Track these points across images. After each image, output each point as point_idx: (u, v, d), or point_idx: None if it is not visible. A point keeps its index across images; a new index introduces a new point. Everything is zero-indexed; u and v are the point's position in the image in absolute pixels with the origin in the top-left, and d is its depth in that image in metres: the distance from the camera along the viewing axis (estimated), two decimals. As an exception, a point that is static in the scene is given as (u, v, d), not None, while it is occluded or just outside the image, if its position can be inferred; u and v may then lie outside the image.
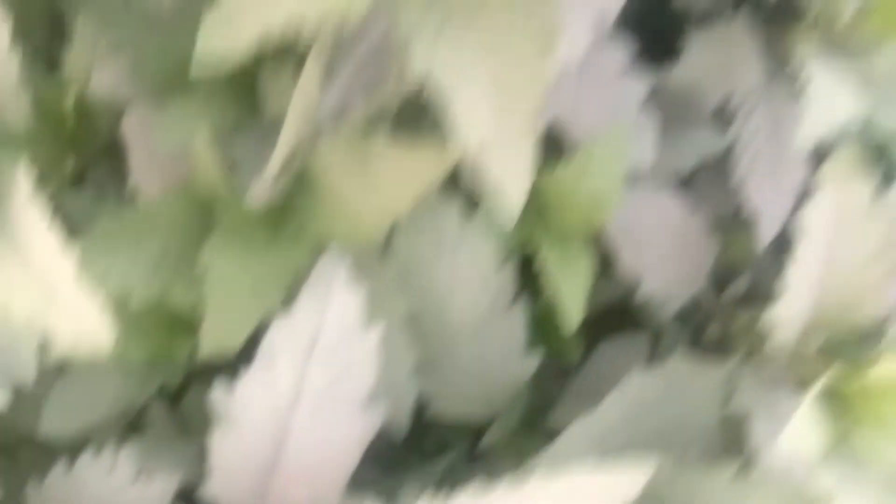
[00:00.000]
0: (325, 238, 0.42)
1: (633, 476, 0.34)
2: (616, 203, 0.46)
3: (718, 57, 0.52)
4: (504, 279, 0.48)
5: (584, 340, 0.54)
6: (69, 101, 0.49)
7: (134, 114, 0.45)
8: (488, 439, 0.51)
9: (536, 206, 0.48)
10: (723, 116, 0.55)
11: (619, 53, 0.49)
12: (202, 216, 0.42)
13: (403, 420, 0.46)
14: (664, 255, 0.53)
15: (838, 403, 0.43)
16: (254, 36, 0.31)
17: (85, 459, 0.44)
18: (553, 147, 0.48)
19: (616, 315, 0.56)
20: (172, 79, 0.43)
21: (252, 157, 0.42)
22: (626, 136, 0.47)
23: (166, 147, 0.42)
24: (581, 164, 0.46)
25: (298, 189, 0.43)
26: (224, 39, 0.31)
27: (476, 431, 0.52)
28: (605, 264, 0.53)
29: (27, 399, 0.42)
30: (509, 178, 0.33)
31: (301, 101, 0.37)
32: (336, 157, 0.42)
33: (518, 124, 0.33)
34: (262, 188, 0.40)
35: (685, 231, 0.53)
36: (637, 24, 0.49)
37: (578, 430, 0.44)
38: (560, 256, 0.47)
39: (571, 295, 0.46)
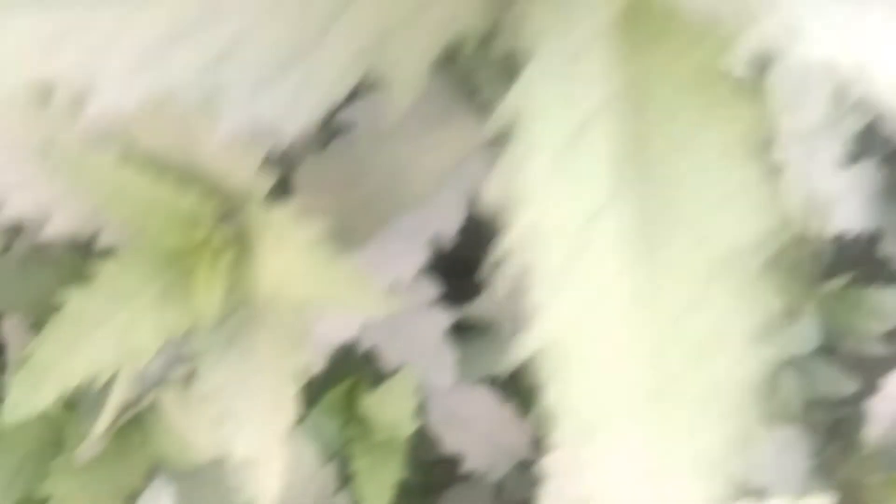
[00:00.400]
0: (158, 460, 0.50)
1: None
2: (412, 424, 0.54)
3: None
4: (327, 477, 0.56)
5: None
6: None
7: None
8: None
9: (355, 417, 0.55)
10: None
11: (427, 289, 0.56)
12: (53, 438, 0.50)
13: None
14: (483, 437, 0.61)
15: None
16: (57, 390, 0.38)
17: None
18: (373, 369, 0.56)
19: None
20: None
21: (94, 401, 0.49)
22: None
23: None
24: (386, 392, 0.53)
25: (135, 421, 0.50)
26: (31, 394, 0.38)
27: None
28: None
29: None
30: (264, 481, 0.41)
31: (119, 393, 0.44)
32: (165, 398, 0.49)
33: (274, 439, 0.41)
34: (93, 442, 0.48)
35: (500, 417, 0.61)
36: (442, 262, 0.56)
37: None
38: (371, 460, 0.55)
39: (378, 493, 0.54)
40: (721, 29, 0.32)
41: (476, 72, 0.54)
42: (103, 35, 0.33)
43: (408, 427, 0.54)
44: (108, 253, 0.59)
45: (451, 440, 0.61)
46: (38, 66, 0.33)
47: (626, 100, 0.31)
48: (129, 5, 0.34)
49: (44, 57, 0.33)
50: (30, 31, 0.33)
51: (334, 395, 0.58)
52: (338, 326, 0.53)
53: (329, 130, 0.56)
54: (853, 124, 0.61)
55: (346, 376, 0.56)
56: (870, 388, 1.02)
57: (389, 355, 0.55)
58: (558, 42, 0.31)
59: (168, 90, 0.33)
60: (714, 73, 0.31)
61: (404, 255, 0.68)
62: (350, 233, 0.65)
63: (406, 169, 0.62)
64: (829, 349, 1.12)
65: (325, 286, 0.53)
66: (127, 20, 0.33)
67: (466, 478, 0.66)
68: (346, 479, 0.57)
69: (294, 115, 0.36)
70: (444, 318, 0.56)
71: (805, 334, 1.08)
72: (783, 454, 1.09)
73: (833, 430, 1.15)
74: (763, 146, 0.30)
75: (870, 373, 1.12)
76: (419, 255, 0.64)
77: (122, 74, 0.32)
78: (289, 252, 0.55)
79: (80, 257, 0.65)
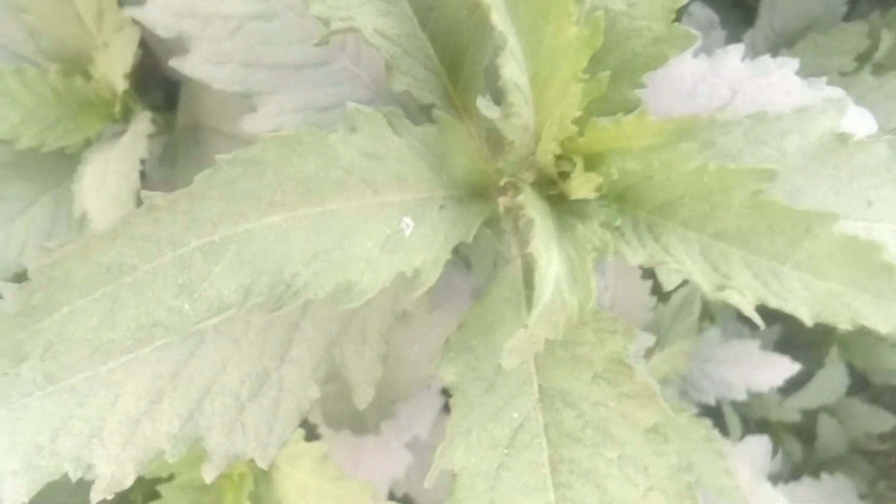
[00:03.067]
0: None
1: None
2: None
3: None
4: None
5: None
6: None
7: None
8: None
9: None
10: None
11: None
12: None
13: None
14: None
15: None
16: None
17: None
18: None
19: None
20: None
21: None
22: None
23: None
24: None
25: None
26: None
27: None
28: None
29: None
30: None
31: None
32: None
33: None
34: None
35: None
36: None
37: None
38: None
39: None
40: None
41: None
42: (95, 419, 0.38)
43: None
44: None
45: None
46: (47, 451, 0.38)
47: (546, 403, 0.35)
48: (113, 383, 0.39)
49: (51, 442, 0.38)
50: (41, 413, 0.38)
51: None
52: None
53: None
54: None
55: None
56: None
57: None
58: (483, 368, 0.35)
59: (157, 450, 0.38)
60: (622, 364, 0.35)
61: (394, 455, 0.72)
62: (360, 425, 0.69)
63: (402, 357, 0.67)
64: (861, 388, 1.13)
65: (336, 499, 0.58)
66: (112, 399, 0.38)
67: None
68: None
69: (273, 430, 0.41)
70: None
71: (834, 378, 1.09)
72: (834, 498, 1.09)
73: (879, 468, 1.14)
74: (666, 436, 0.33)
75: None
76: (405, 456, 0.69)
77: (116, 453, 0.37)
78: (302, 472, 0.60)
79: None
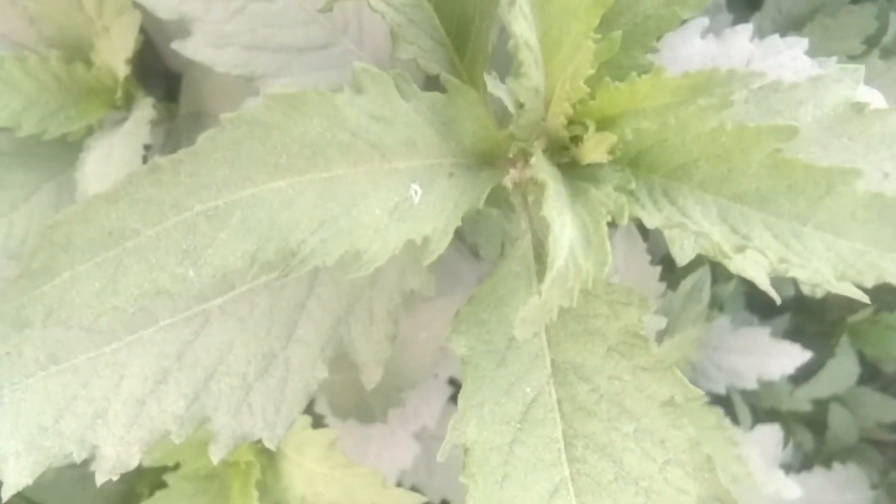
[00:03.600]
0: None
1: None
2: None
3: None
4: None
5: None
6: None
7: None
8: None
9: None
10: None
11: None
12: None
13: None
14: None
15: None
16: None
17: None
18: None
19: None
20: None
21: None
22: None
23: None
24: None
25: None
26: None
27: None
28: None
29: None
30: None
31: None
32: None
33: None
34: None
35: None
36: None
37: None
38: None
39: None
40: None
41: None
42: (99, 400, 0.37)
43: None
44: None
45: None
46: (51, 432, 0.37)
47: (560, 377, 0.34)
48: (118, 363, 0.38)
49: (55, 423, 0.37)
50: (44, 394, 0.37)
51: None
52: None
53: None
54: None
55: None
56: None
57: None
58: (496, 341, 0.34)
59: (163, 431, 0.38)
60: (637, 336, 0.34)
61: (401, 445, 0.72)
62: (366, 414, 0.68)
63: (409, 343, 0.66)
64: (872, 377, 1.11)
65: (344, 487, 0.57)
66: (117, 379, 0.38)
67: None
68: None
69: (280, 411, 0.40)
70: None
71: (844, 368, 1.08)
72: (846, 488, 1.08)
73: (890, 458, 1.13)
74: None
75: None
76: (412, 446, 0.68)
77: (121, 434, 0.37)
78: (309, 459, 0.59)
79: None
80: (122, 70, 0.58)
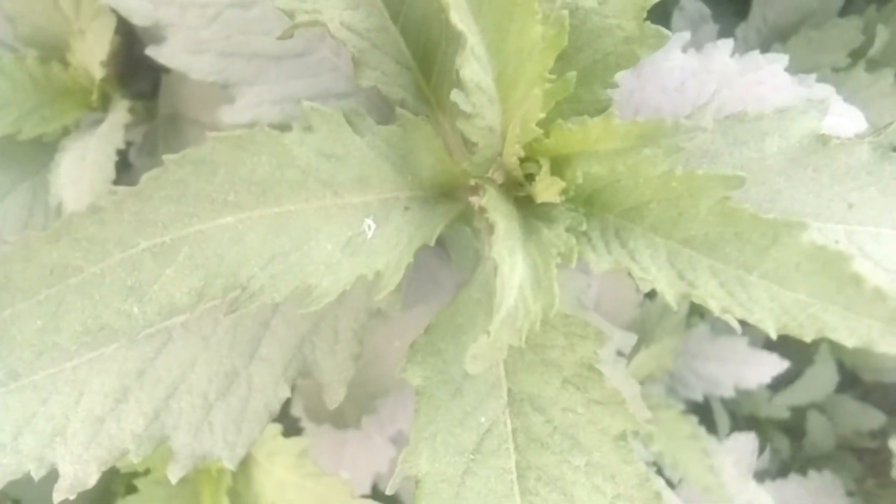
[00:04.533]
0: None
1: None
2: None
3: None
4: None
5: None
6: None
7: None
8: None
9: None
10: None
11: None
12: None
13: None
14: None
15: None
16: None
17: None
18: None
19: None
20: None
21: None
22: None
23: None
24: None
25: None
26: None
27: None
28: None
29: None
30: None
31: None
32: None
33: None
34: None
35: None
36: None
37: None
38: None
39: None
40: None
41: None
42: (59, 417, 0.37)
43: None
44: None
45: None
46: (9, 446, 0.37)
47: (515, 408, 0.34)
48: (77, 380, 0.38)
49: (13, 440, 0.37)
50: (3, 410, 0.37)
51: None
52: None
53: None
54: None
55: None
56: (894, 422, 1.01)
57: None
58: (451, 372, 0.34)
59: (122, 450, 0.38)
60: (592, 369, 0.34)
61: (377, 449, 0.72)
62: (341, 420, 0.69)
63: (383, 352, 0.66)
64: (850, 385, 1.12)
65: (314, 496, 0.57)
66: (76, 397, 0.38)
67: None
68: None
69: (241, 430, 0.40)
70: None
71: (823, 376, 1.08)
72: (821, 495, 1.09)
73: (868, 465, 1.14)
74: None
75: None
76: (388, 450, 0.68)
77: (79, 452, 0.37)
78: (280, 467, 0.59)
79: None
80: (98, 72, 0.58)
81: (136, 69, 0.68)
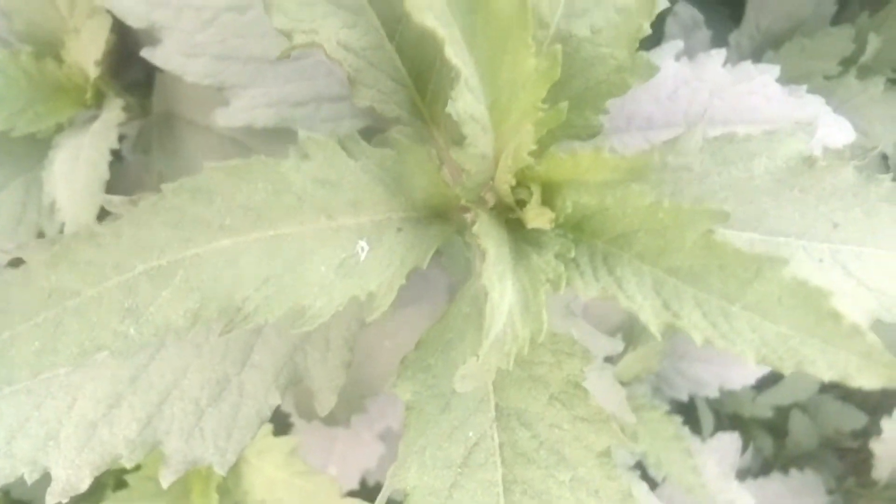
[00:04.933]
0: None
1: None
2: None
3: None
4: None
5: None
6: None
7: None
8: None
9: None
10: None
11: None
12: None
13: None
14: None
15: None
16: None
17: None
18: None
19: None
20: None
21: None
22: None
23: None
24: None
25: None
26: None
27: None
28: None
29: None
30: None
31: None
32: None
33: None
34: None
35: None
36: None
37: None
38: None
39: None
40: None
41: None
42: (52, 422, 0.38)
43: None
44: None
45: None
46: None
47: (503, 422, 0.35)
48: (71, 385, 0.38)
49: (7, 444, 0.38)
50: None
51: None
52: None
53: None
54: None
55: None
56: (876, 423, 1.03)
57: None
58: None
59: (114, 455, 0.38)
60: (578, 387, 0.35)
61: (366, 446, 0.73)
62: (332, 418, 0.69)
63: (373, 352, 0.67)
64: (833, 385, 1.14)
65: (303, 494, 0.58)
66: (70, 402, 0.38)
67: None
68: None
69: (231, 436, 0.41)
70: None
71: (807, 376, 1.09)
72: (803, 493, 1.11)
73: (849, 464, 1.16)
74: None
75: (878, 403, 1.13)
76: (377, 447, 0.69)
77: (72, 457, 0.37)
78: (270, 465, 0.60)
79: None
80: (93, 71, 0.57)
81: (130, 63, 0.68)
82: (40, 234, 0.61)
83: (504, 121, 0.28)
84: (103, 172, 0.54)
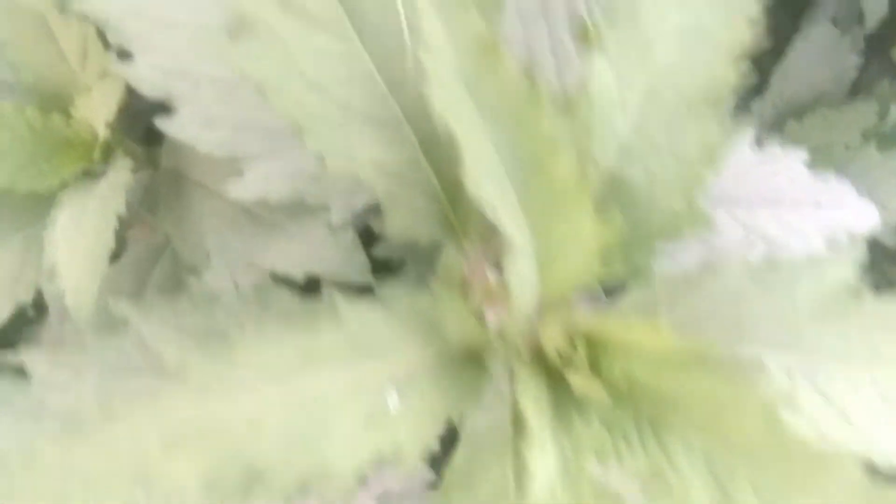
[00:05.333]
0: None
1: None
2: None
3: None
4: None
5: None
6: None
7: None
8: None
9: None
10: None
11: None
12: None
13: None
14: None
15: None
16: None
17: None
18: None
19: None
20: None
21: None
22: None
23: None
24: None
25: None
26: None
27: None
28: None
29: None
30: None
31: None
32: None
33: None
34: None
35: None
36: None
37: None
38: None
39: None
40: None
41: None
42: None
43: None
44: None
45: None
46: None
47: None
48: None
49: None
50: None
51: None
52: None
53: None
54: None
55: None
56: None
57: None
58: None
59: None
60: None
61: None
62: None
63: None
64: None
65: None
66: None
67: None
68: None
69: None
70: None
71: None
72: None
73: None
74: None
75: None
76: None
77: None
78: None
79: None
80: (103, 132, 0.55)
81: (139, 116, 0.66)
82: (39, 295, 0.59)
83: (553, 281, 0.26)
84: (108, 241, 0.52)
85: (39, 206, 0.58)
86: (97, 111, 0.54)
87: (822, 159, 0.63)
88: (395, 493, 0.84)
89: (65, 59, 0.56)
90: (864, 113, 0.82)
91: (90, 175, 0.59)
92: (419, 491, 0.59)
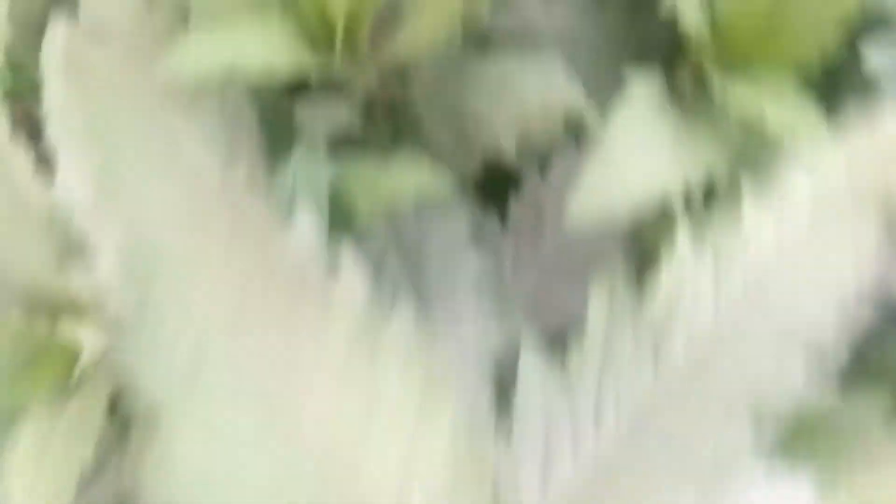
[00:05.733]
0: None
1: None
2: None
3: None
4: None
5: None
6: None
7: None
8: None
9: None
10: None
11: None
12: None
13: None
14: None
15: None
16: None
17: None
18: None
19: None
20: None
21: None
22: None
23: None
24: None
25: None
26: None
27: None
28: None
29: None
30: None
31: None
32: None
33: None
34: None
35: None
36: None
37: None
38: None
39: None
40: None
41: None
42: None
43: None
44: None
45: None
46: None
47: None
48: None
49: None
50: None
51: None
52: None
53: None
54: None
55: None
56: None
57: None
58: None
59: None
60: None
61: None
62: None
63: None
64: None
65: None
66: None
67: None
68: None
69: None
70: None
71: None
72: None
73: None
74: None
75: None
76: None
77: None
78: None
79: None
80: (88, 356, 0.52)
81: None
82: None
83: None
84: (69, 487, 0.48)
85: (4, 419, 0.53)
86: (85, 335, 0.51)
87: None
88: None
89: (63, 273, 0.53)
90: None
91: (65, 392, 0.55)
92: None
